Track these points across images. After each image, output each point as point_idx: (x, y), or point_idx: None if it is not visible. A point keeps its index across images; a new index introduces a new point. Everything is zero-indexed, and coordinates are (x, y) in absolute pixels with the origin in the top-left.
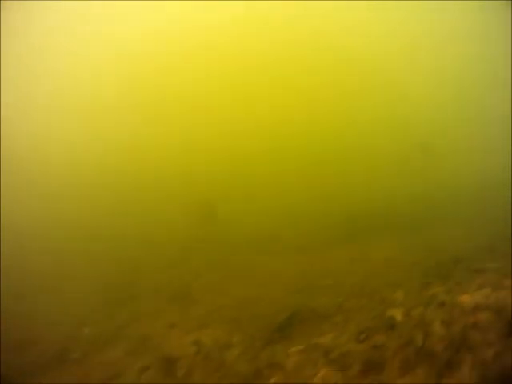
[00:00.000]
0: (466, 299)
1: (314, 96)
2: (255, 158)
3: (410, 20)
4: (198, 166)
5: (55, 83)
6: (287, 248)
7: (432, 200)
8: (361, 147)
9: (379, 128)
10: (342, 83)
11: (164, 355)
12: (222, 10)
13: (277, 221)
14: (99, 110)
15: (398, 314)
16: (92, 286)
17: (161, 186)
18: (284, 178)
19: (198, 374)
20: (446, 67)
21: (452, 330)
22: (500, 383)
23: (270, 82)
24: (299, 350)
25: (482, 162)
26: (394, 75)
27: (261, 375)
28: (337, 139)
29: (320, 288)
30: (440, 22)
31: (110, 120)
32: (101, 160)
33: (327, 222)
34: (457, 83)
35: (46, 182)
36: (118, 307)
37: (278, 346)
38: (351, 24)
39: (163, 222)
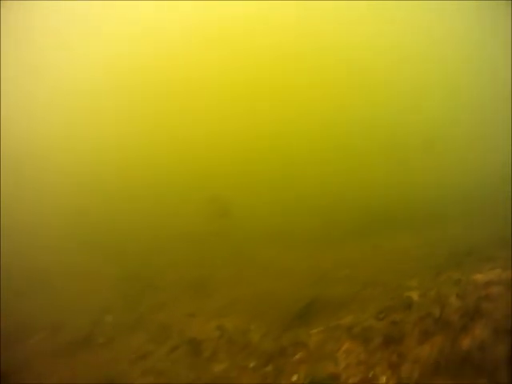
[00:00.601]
0: (479, 277)
1: (321, 92)
2: (267, 153)
3: (411, 18)
4: (209, 161)
5: (55, 82)
6: (301, 241)
7: (437, 197)
8: (373, 142)
9: (388, 125)
10: (344, 81)
11: (189, 338)
12: (223, 9)
13: (289, 215)
14: (107, 107)
15: (414, 295)
16: (111, 278)
17: (172, 180)
18: (296, 173)
19: (224, 354)
20: (446, 66)
21: (466, 301)
22: (509, 337)
23: (279, 76)
24: (321, 331)
25: (483, 159)
26: (394, 74)
27: (285, 353)
28: (348, 134)
29: (335, 279)
30: (440, 21)
31: (119, 116)
32: (115, 155)
33: (340, 217)
34: (457, 81)
35: (57, 178)
36: (137, 298)
37: (299, 330)
38: (351, 23)
39: (176, 217)
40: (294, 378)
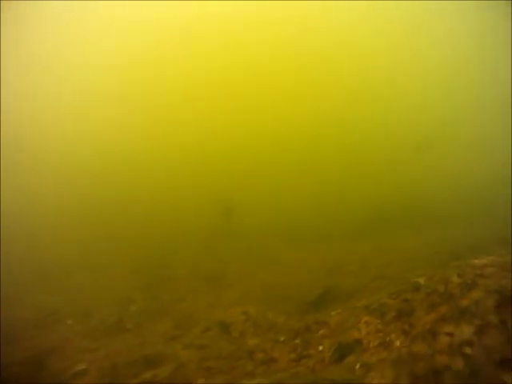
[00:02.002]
0: (476, 261)
1: (323, 93)
2: (272, 156)
3: (409, 19)
4: (219, 162)
5: (56, 79)
6: (305, 239)
7: (438, 197)
8: (374, 142)
9: (388, 125)
10: (345, 81)
11: (219, 320)
12: (223, 9)
13: (294, 214)
14: (113, 105)
15: (421, 280)
16: (127, 271)
17: (184, 179)
18: (300, 173)
19: (252, 333)
20: (446, 66)
21: (465, 278)
22: (499, 296)
23: (283, 79)
24: (340, 312)
25: (483, 160)
26: (394, 74)
27: (310, 329)
28: (350, 135)
29: (343, 274)
30: (440, 21)
31: (129, 114)
32: (129, 154)
33: (342, 216)
34: (457, 81)
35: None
36: (156, 290)
37: (318, 314)
38: (351, 23)
39: (187, 215)
40: (320, 348)
